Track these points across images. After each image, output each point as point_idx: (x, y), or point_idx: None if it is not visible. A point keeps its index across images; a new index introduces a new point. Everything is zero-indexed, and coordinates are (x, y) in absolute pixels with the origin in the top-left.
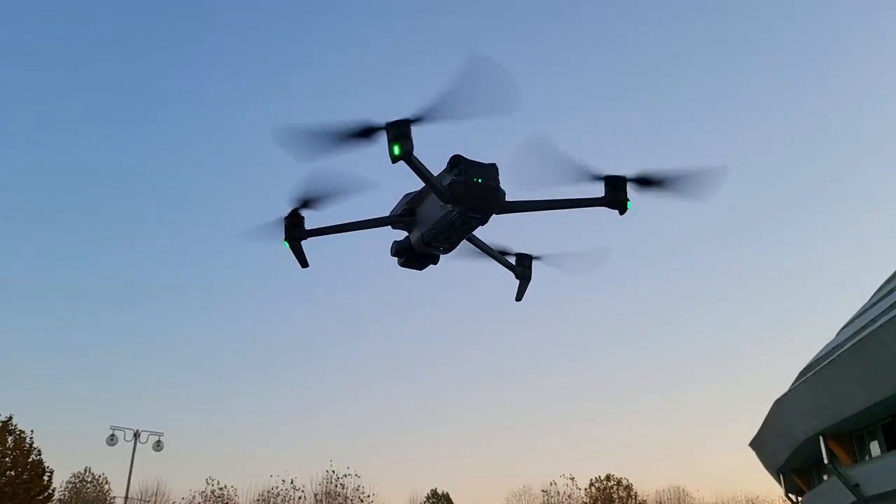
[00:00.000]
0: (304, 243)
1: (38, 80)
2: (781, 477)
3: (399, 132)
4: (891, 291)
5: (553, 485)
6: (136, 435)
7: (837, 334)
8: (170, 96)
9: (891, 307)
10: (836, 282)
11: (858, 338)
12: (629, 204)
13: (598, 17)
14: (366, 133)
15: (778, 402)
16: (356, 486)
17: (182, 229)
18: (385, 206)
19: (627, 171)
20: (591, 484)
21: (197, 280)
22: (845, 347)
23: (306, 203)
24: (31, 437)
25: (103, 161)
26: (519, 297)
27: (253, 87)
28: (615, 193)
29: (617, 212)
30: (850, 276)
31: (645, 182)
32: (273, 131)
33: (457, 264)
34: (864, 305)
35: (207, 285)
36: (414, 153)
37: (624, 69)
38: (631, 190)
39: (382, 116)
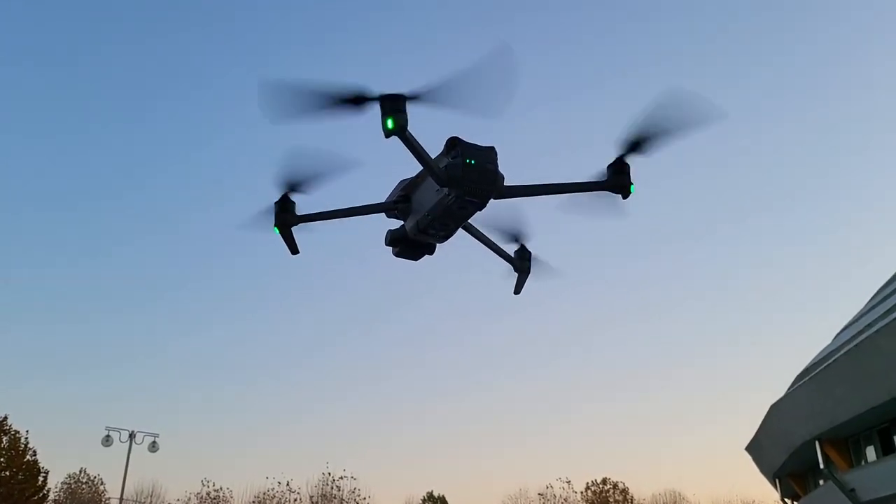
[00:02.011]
0: (295, 232)
1: (38, 80)
2: (777, 481)
3: (394, 105)
4: (888, 296)
5: (549, 488)
6: (132, 436)
7: (834, 338)
8: (168, 95)
9: (888, 312)
10: (833, 284)
11: (855, 342)
12: (633, 188)
13: (597, 15)
14: (357, 101)
15: (774, 407)
16: (352, 488)
17: (177, 229)
18: (380, 193)
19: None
20: (588, 487)
21: (192, 281)
22: (842, 352)
23: (294, 186)
24: (27, 438)
25: (99, 160)
26: (518, 291)
27: (252, 83)
28: (618, 177)
29: (620, 196)
30: (848, 279)
31: (636, 146)
32: (259, 84)
33: (451, 259)
34: (862, 310)
35: (203, 286)
36: (409, 130)
37: (621, 69)
38: (633, 160)
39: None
